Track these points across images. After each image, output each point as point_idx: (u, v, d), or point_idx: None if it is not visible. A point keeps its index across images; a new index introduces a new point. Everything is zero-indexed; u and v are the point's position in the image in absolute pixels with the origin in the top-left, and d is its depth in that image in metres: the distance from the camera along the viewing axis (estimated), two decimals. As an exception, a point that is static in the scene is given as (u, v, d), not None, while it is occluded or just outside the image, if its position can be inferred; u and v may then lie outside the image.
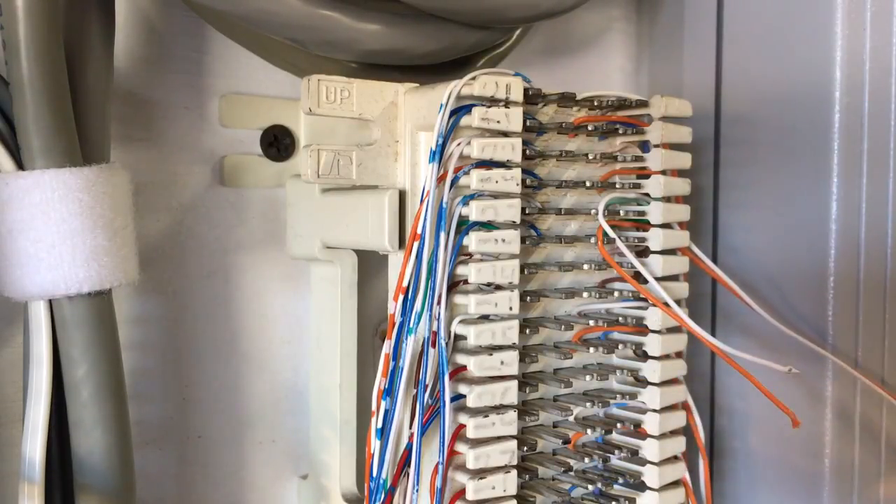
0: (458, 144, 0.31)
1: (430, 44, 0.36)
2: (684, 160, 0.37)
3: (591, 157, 0.35)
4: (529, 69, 0.36)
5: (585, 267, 0.35)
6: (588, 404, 0.35)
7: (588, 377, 0.35)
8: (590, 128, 0.35)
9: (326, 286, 0.38)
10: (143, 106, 0.37)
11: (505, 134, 0.32)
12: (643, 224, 0.36)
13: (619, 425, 0.36)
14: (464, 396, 0.31)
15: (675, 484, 0.37)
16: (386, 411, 0.31)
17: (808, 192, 0.39)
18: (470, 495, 0.31)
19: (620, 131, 0.36)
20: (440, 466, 0.31)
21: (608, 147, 0.37)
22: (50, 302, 0.29)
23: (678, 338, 0.37)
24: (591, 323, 0.36)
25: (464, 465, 0.32)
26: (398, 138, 0.34)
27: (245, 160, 0.39)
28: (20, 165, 0.29)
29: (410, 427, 0.31)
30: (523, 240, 0.33)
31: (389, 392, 0.31)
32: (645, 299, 0.35)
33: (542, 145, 0.35)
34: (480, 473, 0.32)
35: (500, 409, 0.32)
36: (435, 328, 0.31)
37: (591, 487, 0.35)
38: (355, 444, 0.38)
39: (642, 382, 0.36)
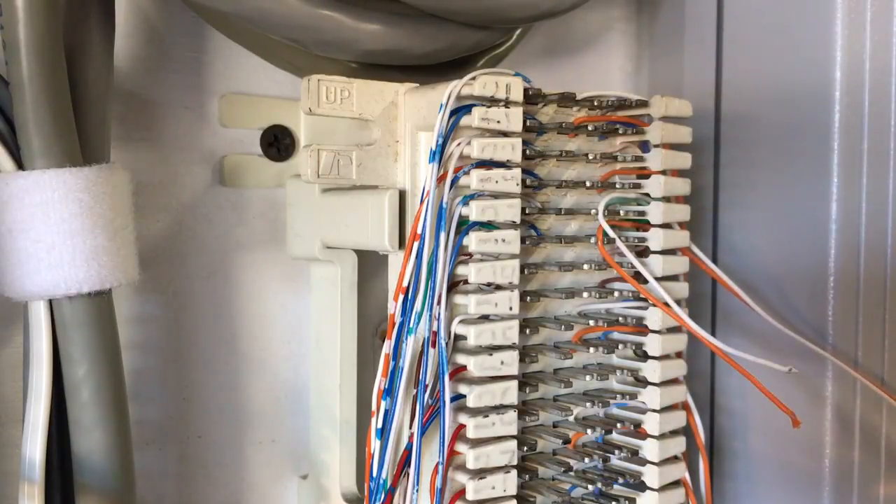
0: (458, 144, 0.31)
1: (430, 44, 0.36)
2: (684, 160, 0.37)
3: (591, 157, 0.35)
4: (529, 69, 0.36)
5: (585, 267, 0.35)
6: (588, 404, 0.35)
7: (588, 377, 0.35)
8: (590, 128, 0.35)
9: (326, 286, 0.38)
10: (143, 106, 0.37)
11: (505, 134, 0.32)
12: (643, 224, 0.36)
13: (619, 425, 0.36)
14: (464, 396, 0.31)
15: (675, 484, 0.37)
16: (386, 411, 0.31)
17: (808, 192, 0.39)
18: (470, 495, 0.31)
19: (620, 131, 0.36)
20: (440, 466, 0.31)
21: (608, 147, 0.37)
22: (50, 302, 0.29)
23: (678, 338, 0.37)
24: (591, 323, 0.36)
25: (464, 465, 0.32)
26: (398, 138, 0.34)
27: (245, 160, 0.39)
28: (20, 165, 0.29)
29: (410, 427, 0.31)
30: (523, 240, 0.33)
31: (389, 392, 0.31)
32: (645, 299, 0.35)
33: (542, 145, 0.35)
34: (480, 473, 0.32)
35: (500, 409, 0.32)
36: (435, 328, 0.31)
37: (591, 487, 0.35)
38: (355, 444, 0.38)
39: (642, 382, 0.36)
